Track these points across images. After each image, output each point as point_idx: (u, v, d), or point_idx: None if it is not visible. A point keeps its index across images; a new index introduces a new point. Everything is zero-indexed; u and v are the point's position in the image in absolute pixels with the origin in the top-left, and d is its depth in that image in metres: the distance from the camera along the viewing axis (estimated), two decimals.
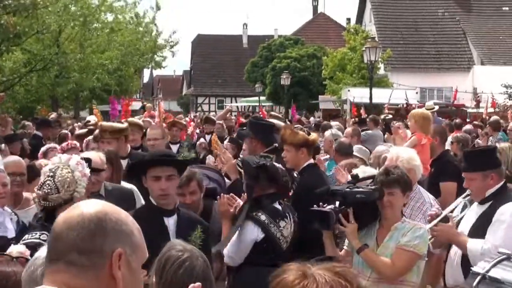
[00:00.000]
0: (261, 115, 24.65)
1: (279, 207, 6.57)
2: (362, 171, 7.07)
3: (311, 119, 35.36)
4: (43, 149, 9.97)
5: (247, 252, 6.42)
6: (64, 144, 9.36)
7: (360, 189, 6.04)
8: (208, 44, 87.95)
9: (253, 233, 6.41)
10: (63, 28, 35.64)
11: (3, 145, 9.95)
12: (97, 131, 9.96)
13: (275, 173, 6.52)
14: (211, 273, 4.00)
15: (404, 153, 7.34)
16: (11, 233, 6.21)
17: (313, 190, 6.55)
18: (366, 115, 22.54)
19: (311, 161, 7.94)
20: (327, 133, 13.45)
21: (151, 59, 46.46)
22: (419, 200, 7.16)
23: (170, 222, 5.73)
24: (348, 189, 6.04)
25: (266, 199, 6.51)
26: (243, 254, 6.43)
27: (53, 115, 19.04)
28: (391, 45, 50.31)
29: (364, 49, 32.79)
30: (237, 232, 6.43)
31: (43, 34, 32.58)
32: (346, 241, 6.30)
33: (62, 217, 2.51)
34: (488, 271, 4.90)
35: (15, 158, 8.30)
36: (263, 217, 6.40)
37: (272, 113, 23.51)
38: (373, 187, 6.03)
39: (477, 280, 4.87)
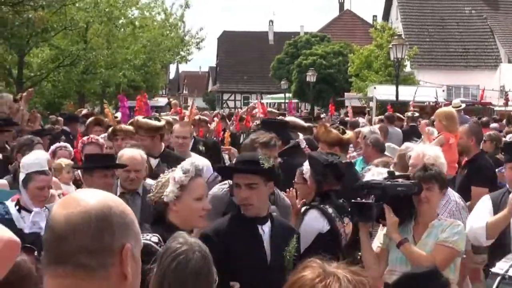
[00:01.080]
0: (289, 110, 24.71)
1: (344, 204, 6.60)
2: (377, 172, 7.00)
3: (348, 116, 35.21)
4: (52, 148, 9.74)
5: (309, 242, 6.38)
6: (85, 138, 9.06)
7: (401, 182, 6.00)
8: (234, 41, 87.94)
9: (319, 223, 6.35)
10: (91, 24, 35.84)
11: (38, 138, 9.96)
12: (110, 129, 9.74)
13: (342, 171, 6.57)
14: (210, 269, 3.84)
15: (430, 150, 7.33)
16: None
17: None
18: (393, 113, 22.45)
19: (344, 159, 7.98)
20: (366, 129, 13.30)
21: (177, 54, 46.59)
22: (444, 198, 7.14)
23: (265, 229, 5.45)
24: (389, 182, 5.99)
25: (334, 194, 6.55)
26: (306, 243, 6.37)
27: (84, 111, 19.08)
28: (417, 42, 50.14)
29: (390, 46, 32.71)
30: (303, 221, 6.45)
31: (70, 30, 32.74)
32: (379, 238, 6.27)
33: (61, 214, 2.32)
34: (507, 271, 4.91)
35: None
36: (330, 210, 6.41)
37: (270, 109, 23.20)
38: (412, 181, 5.99)
39: (497, 281, 4.88)
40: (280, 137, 8.50)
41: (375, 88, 38.31)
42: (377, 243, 6.42)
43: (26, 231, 6.25)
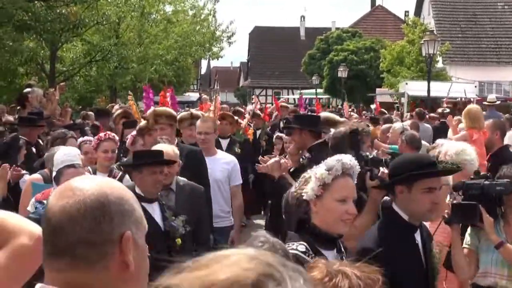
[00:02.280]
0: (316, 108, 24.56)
1: None
2: None
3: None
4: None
5: None
6: (101, 135, 9.01)
7: (500, 182, 5.86)
8: (266, 36, 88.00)
9: None
10: (122, 19, 36.00)
11: (71, 132, 10.02)
12: (142, 123, 9.53)
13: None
14: None
15: (453, 146, 7.27)
16: None
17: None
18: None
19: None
20: (398, 125, 13.24)
21: (208, 50, 46.70)
22: None
23: (417, 238, 5.16)
24: (487, 182, 5.86)
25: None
26: None
27: (116, 106, 19.14)
28: (449, 38, 49.81)
29: (422, 42, 32.54)
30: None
31: (102, 25, 32.90)
32: (467, 240, 6.13)
33: (56, 205, 2.25)
34: None
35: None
36: None
37: (283, 103, 23.01)
38: (507, 180, 5.85)
39: None
40: (312, 131, 8.49)
41: (406, 84, 38.16)
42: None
43: None
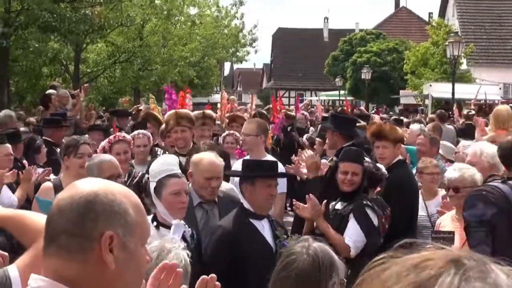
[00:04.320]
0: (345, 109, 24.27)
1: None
2: (459, 168, 6.89)
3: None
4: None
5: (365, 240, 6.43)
6: (111, 137, 8.74)
7: None
8: (289, 38, 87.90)
9: (375, 220, 6.45)
10: (147, 21, 36.10)
11: (85, 137, 9.95)
12: (163, 127, 9.52)
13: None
14: (318, 275, 3.71)
15: (488, 148, 7.24)
16: None
17: (404, 187, 6.57)
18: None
19: (400, 157, 7.97)
20: (415, 126, 13.19)
21: (233, 54, 46.84)
22: None
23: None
24: None
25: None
26: (363, 242, 6.42)
27: (141, 107, 19.14)
28: (474, 40, 49.51)
29: (447, 43, 32.37)
30: (354, 220, 6.44)
31: (127, 27, 33.01)
32: None
33: (57, 198, 2.48)
34: None
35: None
36: (375, 207, 6.46)
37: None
38: None
39: None
40: (346, 133, 8.48)
41: (430, 85, 37.96)
42: None
43: None
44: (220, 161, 6.65)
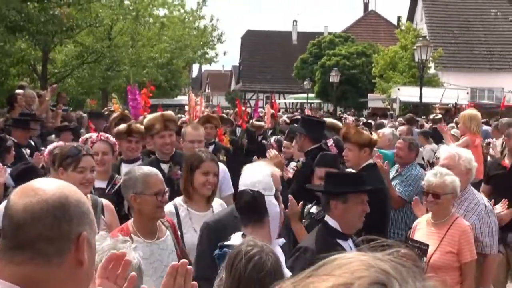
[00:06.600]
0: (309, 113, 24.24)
1: None
2: (440, 173, 6.85)
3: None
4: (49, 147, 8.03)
5: None
6: (94, 137, 7.96)
7: None
8: (258, 40, 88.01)
9: None
10: (115, 21, 35.95)
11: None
12: (124, 127, 8.93)
13: None
14: (282, 270, 3.82)
15: (464, 152, 7.27)
16: None
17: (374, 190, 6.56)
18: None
19: (371, 160, 7.96)
20: (387, 130, 13.14)
21: (202, 55, 46.81)
22: (472, 201, 7.09)
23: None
24: None
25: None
26: None
27: (112, 108, 18.97)
28: (442, 44, 49.83)
29: (415, 48, 32.56)
30: None
31: (95, 27, 32.84)
32: None
33: (19, 204, 2.40)
34: None
35: None
36: None
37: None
38: None
39: None
40: (313, 135, 8.48)
41: (398, 89, 38.20)
42: None
43: None
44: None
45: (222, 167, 8.20)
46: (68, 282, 2.40)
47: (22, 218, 2.38)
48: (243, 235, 4.71)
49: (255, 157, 9.77)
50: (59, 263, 2.37)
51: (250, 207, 4.78)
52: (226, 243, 4.59)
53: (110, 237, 3.93)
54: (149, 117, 9.05)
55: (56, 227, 2.37)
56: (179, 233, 6.10)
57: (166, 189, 5.70)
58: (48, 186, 2.46)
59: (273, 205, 4.81)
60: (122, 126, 8.95)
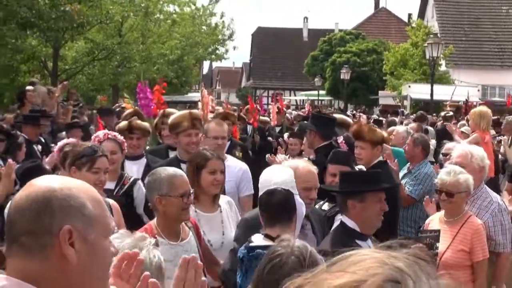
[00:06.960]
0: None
1: None
2: (453, 171, 6.76)
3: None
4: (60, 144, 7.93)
5: None
6: (101, 136, 7.66)
7: None
8: (268, 37, 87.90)
9: None
10: (126, 18, 35.94)
11: (63, 133, 9.73)
12: (124, 124, 8.78)
13: None
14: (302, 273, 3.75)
15: (477, 150, 7.23)
16: None
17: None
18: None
19: (381, 158, 7.93)
20: (401, 128, 13.04)
21: (212, 52, 46.81)
22: (486, 199, 7.03)
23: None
24: None
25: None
26: None
27: (124, 105, 18.90)
28: (453, 41, 49.69)
29: (426, 45, 32.47)
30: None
31: (106, 24, 32.86)
32: None
33: (14, 200, 2.47)
34: None
35: None
36: None
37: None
38: None
39: None
40: (323, 132, 8.44)
41: (409, 86, 38.12)
42: None
43: None
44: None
45: (243, 166, 8.16)
46: (58, 279, 2.39)
47: (12, 213, 2.43)
48: (267, 236, 4.66)
49: (267, 155, 9.63)
50: (44, 257, 2.37)
51: (282, 206, 4.72)
52: (251, 244, 4.54)
53: (129, 235, 3.87)
54: (176, 114, 8.83)
55: (37, 221, 2.37)
56: (201, 233, 6.03)
57: (192, 190, 5.60)
58: (43, 182, 2.47)
59: (299, 204, 4.78)
60: (123, 123, 8.90)
